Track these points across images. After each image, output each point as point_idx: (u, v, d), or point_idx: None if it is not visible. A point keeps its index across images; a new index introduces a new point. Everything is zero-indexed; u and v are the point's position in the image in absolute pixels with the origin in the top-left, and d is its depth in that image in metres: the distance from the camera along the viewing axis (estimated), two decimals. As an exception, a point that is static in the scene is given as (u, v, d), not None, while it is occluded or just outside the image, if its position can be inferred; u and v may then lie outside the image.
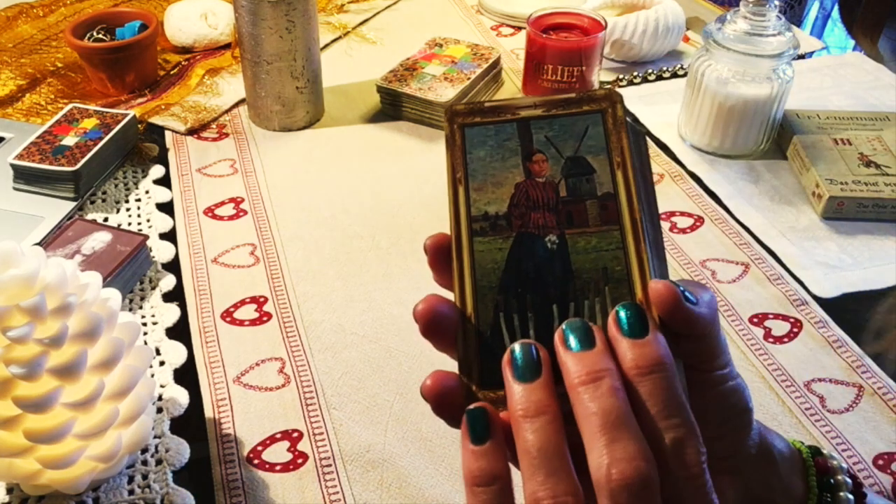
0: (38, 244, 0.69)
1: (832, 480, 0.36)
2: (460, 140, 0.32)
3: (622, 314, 0.29)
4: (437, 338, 0.31)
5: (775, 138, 0.85)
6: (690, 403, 0.29)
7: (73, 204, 0.75)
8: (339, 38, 1.08)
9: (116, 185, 0.80)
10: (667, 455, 0.27)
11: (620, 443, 0.26)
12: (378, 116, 0.91)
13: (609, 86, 0.81)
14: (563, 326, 0.29)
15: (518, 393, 0.28)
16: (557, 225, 0.30)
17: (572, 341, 0.29)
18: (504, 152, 0.31)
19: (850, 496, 0.36)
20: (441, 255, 0.32)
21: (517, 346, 0.29)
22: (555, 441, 0.27)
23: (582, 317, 0.30)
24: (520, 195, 0.31)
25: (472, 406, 0.29)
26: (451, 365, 0.31)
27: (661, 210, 0.77)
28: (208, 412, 0.58)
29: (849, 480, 0.36)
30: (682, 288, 0.29)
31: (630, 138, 0.31)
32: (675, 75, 0.99)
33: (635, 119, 0.91)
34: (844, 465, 0.37)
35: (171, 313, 0.65)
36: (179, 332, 0.64)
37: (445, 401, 0.30)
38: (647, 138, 0.34)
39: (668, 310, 0.29)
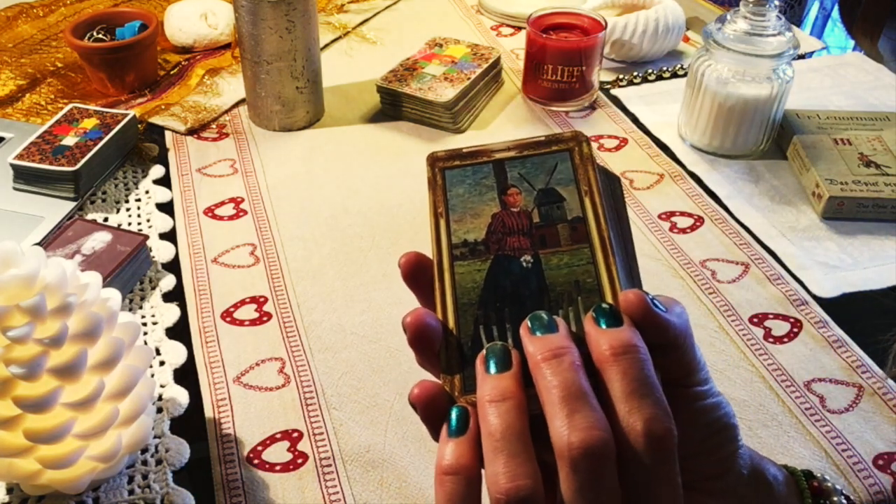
0: (38, 244, 0.69)
1: (827, 502, 0.36)
2: (441, 181, 0.35)
3: (598, 311, 0.30)
4: (422, 347, 0.32)
5: (775, 138, 0.85)
6: None
7: (73, 204, 0.75)
8: (339, 38, 1.08)
9: (116, 185, 0.80)
10: (638, 432, 0.27)
11: (581, 413, 0.27)
12: (378, 116, 0.91)
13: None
14: (528, 319, 0.30)
15: (487, 382, 0.29)
16: (532, 246, 0.33)
17: (536, 329, 0.30)
18: (481, 188, 0.34)
19: None
20: (413, 272, 0.34)
21: (491, 346, 0.30)
22: (517, 425, 0.28)
23: None
24: (496, 224, 0.34)
25: (456, 404, 0.30)
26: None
27: (660, 210, 0.77)
28: (208, 412, 0.58)
29: (844, 501, 0.37)
30: (650, 296, 0.31)
31: (597, 172, 0.34)
32: (675, 75, 0.99)
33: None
34: (838, 487, 0.37)
35: (171, 313, 0.65)
36: (179, 332, 0.64)
37: (432, 406, 0.31)
38: (622, 180, 0.37)
39: (639, 316, 0.30)
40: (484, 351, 0.30)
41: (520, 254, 0.33)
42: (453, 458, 0.29)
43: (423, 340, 0.32)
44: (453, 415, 0.30)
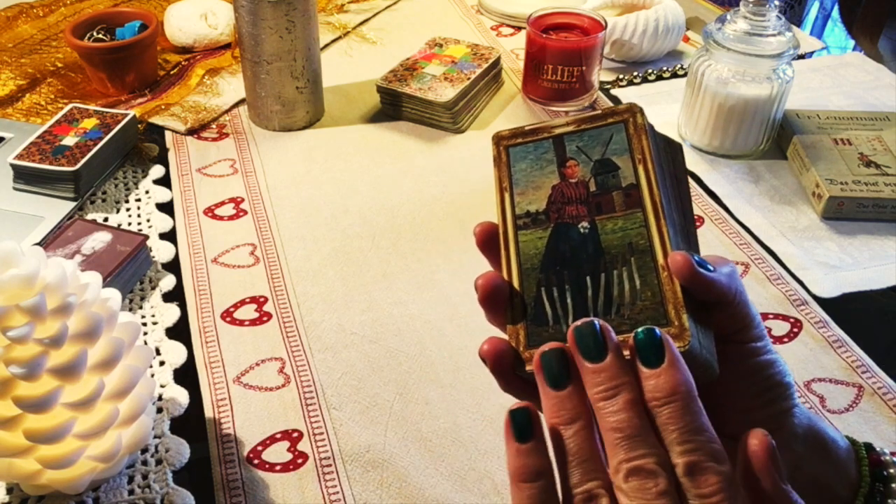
0: (38, 244, 0.69)
1: (885, 473, 0.38)
2: (506, 158, 0.38)
3: (638, 341, 0.30)
4: (490, 305, 0.35)
5: (775, 138, 0.85)
6: (723, 374, 0.31)
7: (73, 204, 0.75)
8: (339, 38, 1.08)
9: (116, 185, 0.80)
10: (683, 480, 0.28)
11: (637, 452, 0.28)
12: (378, 116, 0.91)
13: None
14: (574, 330, 0.30)
15: (551, 400, 0.30)
16: (588, 214, 0.35)
17: (585, 356, 0.30)
18: (542, 163, 0.37)
19: None
20: (486, 240, 0.36)
21: (546, 352, 0.31)
22: (588, 446, 0.29)
23: (611, 285, 0.33)
24: (556, 194, 0.36)
25: (514, 406, 0.31)
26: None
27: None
28: (208, 412, 0.58)
29: None
30: (696, 258, 0.32)
31: (652, 141, 0.35)
32: (675, 75, 0.99)
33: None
34: None
35: (171, 313, 0.65)
36: (179, 332, 0.64)
37: (499, 359, 0.33)
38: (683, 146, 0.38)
39: (686, 276, 0.32)
40: (538, 358, 0.31)
41: (577, 221, 0.35)
42: (528, 465, 0.30)
43: (492, 299, 0.35)
44: (517, 421, 0.31)
